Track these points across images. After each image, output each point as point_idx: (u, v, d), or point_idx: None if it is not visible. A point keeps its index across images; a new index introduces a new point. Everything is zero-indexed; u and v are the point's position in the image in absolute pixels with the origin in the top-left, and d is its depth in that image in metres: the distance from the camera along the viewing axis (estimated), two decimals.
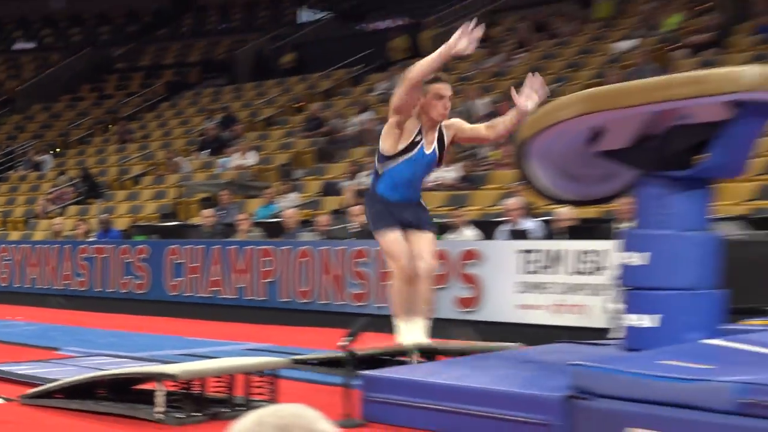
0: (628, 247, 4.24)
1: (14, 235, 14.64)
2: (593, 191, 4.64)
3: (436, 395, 3.94)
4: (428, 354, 4.72)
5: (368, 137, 13.34)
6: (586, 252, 7.49)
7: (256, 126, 16.59)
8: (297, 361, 4.89)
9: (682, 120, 3.84)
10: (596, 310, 6.84)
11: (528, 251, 7.64)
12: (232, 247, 9.89)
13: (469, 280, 7.82)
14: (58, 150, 18.67)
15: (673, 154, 3.87)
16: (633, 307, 4.17)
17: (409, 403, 4.00)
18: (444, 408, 3.94)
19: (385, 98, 13.22)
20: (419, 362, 4.58)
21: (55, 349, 7.07)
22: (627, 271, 4.25)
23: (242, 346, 6.87)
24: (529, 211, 8.56)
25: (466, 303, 7.84)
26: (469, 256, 7.91)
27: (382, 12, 21.31)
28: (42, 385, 4.76)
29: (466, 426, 3.93)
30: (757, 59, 11.05)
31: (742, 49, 12.47)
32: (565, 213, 8.17)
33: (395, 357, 4.83)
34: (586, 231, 8.25)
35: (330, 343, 5.05)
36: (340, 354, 4.11)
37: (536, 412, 3.69)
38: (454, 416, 3.90)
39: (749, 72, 3.68)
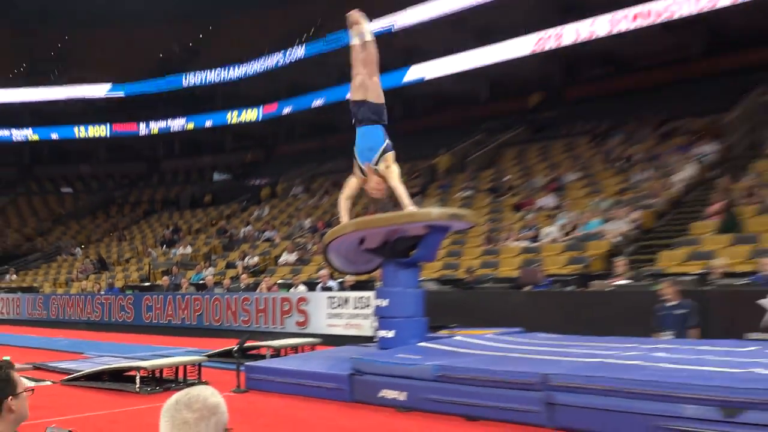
0: (379, 296, 7.16)
1: (60, 290, 24.07)
2: (363, 268, 7.61)
3: (285, 374, 6.56)
4: (276, 349, 7.51)
5: (250, 239, 23.27)
6: (361, 297, 11.66)
7: (191, 232, 27.90)
8: (210, 356, 7.59)
9: (404, 233, 6.88)
10: (367, 327, 10.60)
11: (332, 297, 12.62)
12: (179, 296, 16.09)
13: (302, 312, 12.94)
14: (83, 246, 31.00)
15: (400, 251, 6.88)
16: (382, 327, 7.03)
17: (271, 379, 6.63)
18: (289, 381, 6.54)
19: (258, 218, 26.19)
20: (272, 356, 7.32)
21: (80, 353, 10.97)
22: (378, 308, 7.15)
23: (184, 350, 10.46)
24: (332, 276, 13.09)
25: (301, 324, 12.86)
26: (302, 300, 13.17)
27: (257, 174, 34.36)
28: (72, 373, 7.30)
29: (300, 391, 6.48)
30: (441, 203, 18.27)
31: (434, 196, 20.58)
32: (349, 279, 12.85)
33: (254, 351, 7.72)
34: (361, 286, 12.73)
35: (229, 346, 8.15)
36: (233, 350, 6.89)
37: (335, 382, 6.39)
38: (295, 386, 6.50)
39: (434, 211, 6.87)
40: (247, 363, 6.75)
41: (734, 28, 24.72)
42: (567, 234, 15.13)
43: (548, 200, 17.47)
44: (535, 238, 15.63)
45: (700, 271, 11.06)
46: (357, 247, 6.96)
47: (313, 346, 8.98)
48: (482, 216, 18.48)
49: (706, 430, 3.96)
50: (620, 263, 11.71)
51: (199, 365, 7.21)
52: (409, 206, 6.35)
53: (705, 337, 8.10)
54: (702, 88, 22.89)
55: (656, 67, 25.72)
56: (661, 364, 4.77)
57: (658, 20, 22.59)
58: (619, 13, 23.19)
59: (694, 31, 24.16)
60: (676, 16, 22.34)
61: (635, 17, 22.86)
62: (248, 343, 7.70)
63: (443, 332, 7.49)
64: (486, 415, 4.99)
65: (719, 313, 8.71)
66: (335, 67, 32.86)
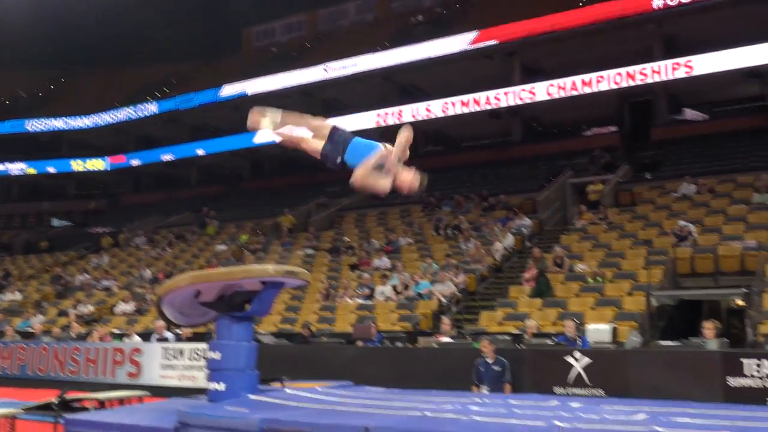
0: (211, 348, 6.82)
1: None
2: (197, 321, 7.24)
3: (106, 428, 6.00)
4: (101, 402, 6.89)
5: (86, 288, 21.85)
6: (197, 349, 11.08)
7: (22, 278, 25.59)
8: (27, 409, 6.75)
9: (239, 288, 6.66)
10: (202, 379, 9.95)
11: (167, 348, 11.99)
12: (1, 344, 14.50)
13: (135, 363, 12.19)
14: None
15: (235, 305, 6.61)
16: (213, 379, 6.68)
17: None
18: None
19: (96, 266, 24.51)
20: (95, 408, 6.72)
21: None
22: (211, 361, 6.81)
23: None
24: (169, 328, 12.44)
25: (133, 375, 12.11)
26: (136, 350, 12.37)
27: (99, 223, 32.37)
28: None
29: None
30: (283, 260, 18.66)
31: (277, 252, 20.68)
32: (186, 330, 12.41)
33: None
34: (198, 338, 12.06)
35: (52, 397, 7.24)
36: (52, 403, 6.21)
37: None
38: None
39: (270, 268, 6.68)
40: (66, 416, 6.15)
41: (547, 120, 26.89)
42: (399, 293, 15.39)
43: (383, 261, 17.76)
44: (369, 296, 15.77)
45: (515, 331, 11.57)
46: (192, 300, 6.64)
47: (141, 398, 8.38)
48: (321, 273, 18.46)
49: None
50: (446, 322, 12.02)
51: (14, 418, 6.47)
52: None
53: (518, 392, 8.42)
54: (520, 169, 24.49)
55: (482, 148, 27.30)
56: (473, 417, 4.84)
57: (483, 108, 24.10)
58: (450, 99, 24.56)
59: (514, 120, 25.98)
60: (500, 105, 23.86)
61: (463, 104, 24.28)
62: (71, 395, 7.07)
63: (275, 385, 7.23)
64: None
65: (531, 369, 9.09)
66: (186, 126, 32.20)
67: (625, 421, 4.67)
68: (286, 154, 31.07)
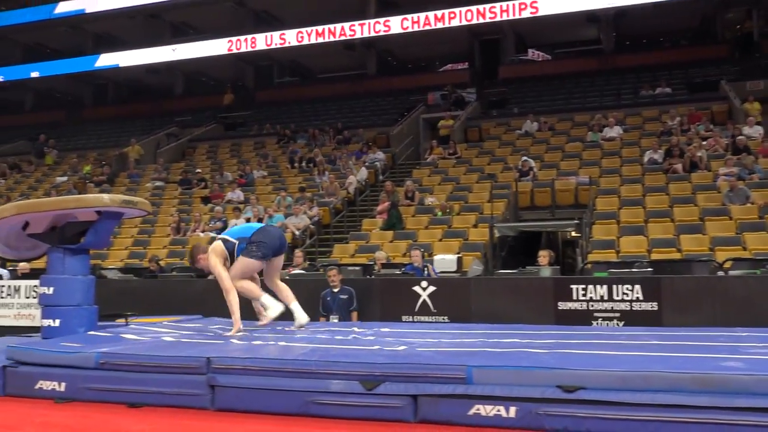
0: (43, 283, 6.42)
1: None
2: (26, 255, 6.76)
3: None
4: None
5: None
6: (35, 286, 10.26)
7: None
8: None
9: (73, 219, 6.28)
10: (37, 317, 9.28)
11: (1, 285, 10.11)
12: None
13: None
14: None
15: (68, 237, 6.23)
16: (46, 316, 6.34)
17: None
18: None
19: None
20: None
21: None
22: (43, 296, 6.41)
23: None
24: (3, 264, 11.26)
25: None
26: None
27: None
28: None
29: None
30: (130, 192, 18.01)
31: (124, 185, 20.06)
32: (23, 266, 11.31)
33: None
34: (36, 274, 11.16)
35: None
36: None
37: None
38: None
39: (105, 197, 6.34)
40: None
41: (402, 55, 27.05)
42: None
43: (237, 194, 17.39)
44: (222, 230, 15.42)
45: (367, 262, 11.78)
46: (20, 232, 6.18)
47: None
48: (171, 207, 17.80)
49: (351, 402, 4.13)
50: (298, 254, 12.02)
51: None
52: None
53: (368, 320, 8.62)
54: (374, 103, 24.60)
55: (338, 81, 27.09)
56: (315, 345, 4.91)
57: (339, 39, 23.81)
58: (305, 29, 24.04)
59: (369, 53, 25.91)
60: (355, 37, 23.65)
61: (318, 34, 23.86)
62: None
63: (119, 321, 6.96)
64: (150, 401, 4.71)
65: (380, 298, 9.31)
66: (17, 44, 29.41)
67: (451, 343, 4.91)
68: (133, 80, 29.31)
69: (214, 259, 6.02)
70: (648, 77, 21.51)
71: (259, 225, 6.31)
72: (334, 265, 9.21)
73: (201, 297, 10.15)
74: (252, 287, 6.06)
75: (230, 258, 6.08)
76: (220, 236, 6.34)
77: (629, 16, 22.27)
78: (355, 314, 8.84)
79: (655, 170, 14.81)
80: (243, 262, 5.94)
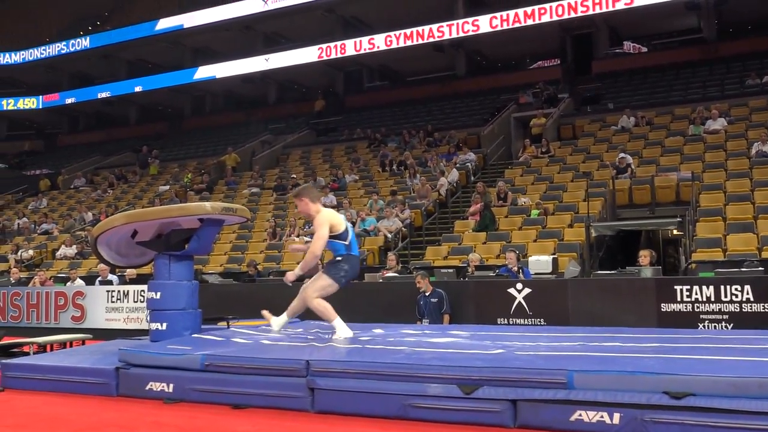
0: (151, 288, 6.70)
1: None
2: (136, 261, 7.09)
3: (46, 371, 5.85)
4: (41, 346, 6.73)
5: (25, 232, 21.37)
6: (142, 291, 10.88)
7: None
8: None
9: (177, 226, 6.52)
10: (145, 321, 9.85)
11: (111, 291, 11.67)
12: None
13: (79, 307, 11.78)
14: None
15: (174, 244, 6.48)
16: (154, 319, 6.61)
17: (31, 377, 5.89)
18: (51, 378, 5.83)
19: (35, 210, 23.98)
20: (36, 353, 6.58)
21: None
22: (151, 301, 6.70)
23: None
24: (113, 270, 12.13)
25: (77, 319, 11.72)
26: (79, 294, 11.91)
27: (36, 165, 31.42)
28: None
29: (63, 387, 5.73)
30: (228, 199, 18.79)
31: (222, 192, 20.54)
32: (131, 272, 11.90)
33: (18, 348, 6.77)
34: (142, 280, 11.89)
35: None
36: None
37: (100, 377, 5.76)
38: (58, 383, 5.77)
39: (207, 205, 6.55)
40: (2, 361, 5.99)
41: (491, 54, 26.75)
42: None
43: (329, 198, 17.67)
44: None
45: (460, 264, 11.72)
46: (129, 240, 6.49)
47: (84, 342, 8.26)
48: (267, 212, 18.30)
49: (449, 406, 4.12)
50: (391, 257, 12.09)
51: None
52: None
53: (462, 323, 8.58)
54: (464, 103, 24.44)
55: (427, 83, 27.09)
56: (412, 348, 4.92)
57: (427, 41, 23.80)
58: (394, 32, 24.17)
59: (458, 54, 25.78)
60: (444, 38, 23.59)
61: (407, 37, 23.96)
62: (8, 340, 6.89)
63: (221, 324, 7.19)
64: (252, 402, 4.85)
65: (474, 301, 9.24)
66: (122, 61, 30.98)
67: (556, 347, 4.81)
68: (229, 90, 30.36)
69: (325, 219, 5.80)
70: (755, 65, 20.40)
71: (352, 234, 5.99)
72: (421, 270, 9.20)
73: None
74: (328, 308, 5.89)
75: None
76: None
77: (732, 1, 21.17)
78: (446, 317, 8.81)
79: (764, 163, 14.02)
80: (327, 281, 5.85)
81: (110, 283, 12.60)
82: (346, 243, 5.85)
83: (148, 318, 6.62)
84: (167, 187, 22.14)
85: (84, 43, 30.69)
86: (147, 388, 5.34)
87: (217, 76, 27.55)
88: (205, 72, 27.81)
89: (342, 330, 5.78)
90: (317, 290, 5.88)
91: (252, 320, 8.04)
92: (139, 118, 33.00)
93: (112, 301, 11.94)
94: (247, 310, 9.28)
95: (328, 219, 5.86)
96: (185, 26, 27.80)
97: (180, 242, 6.42)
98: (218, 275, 13.12)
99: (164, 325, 6.35)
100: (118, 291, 11.98)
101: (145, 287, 11.54)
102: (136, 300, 11.72)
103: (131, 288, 11.96)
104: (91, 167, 28.19)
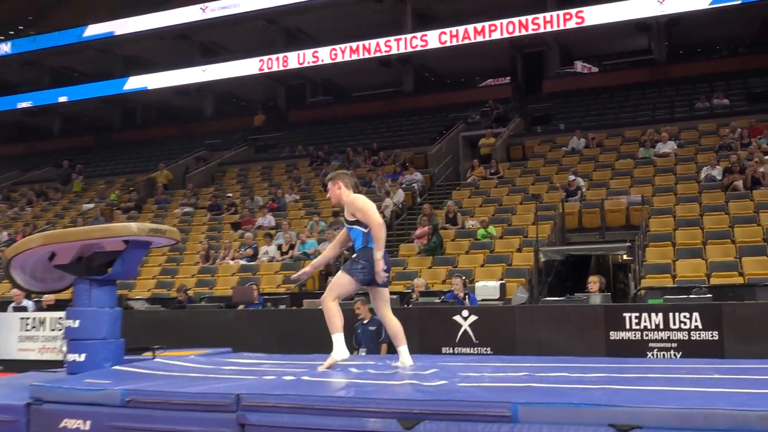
0: (69, 316, 6.46)
1: None
2: (53, 286, 6.84)
3: None
4: None
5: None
6: (60, 318, 10.58)
7: None
8: None
9: (99, 249, 6.33)
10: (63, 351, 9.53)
11: (25, 318, 11.34)
12: None
13: None
14: None
15: (95, 267, 6.28)
16: (72, 350, 6.36)
17: None
18: None
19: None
20: None
21: None
22: (69, 330, 6.42)
23: None
24: (29, 296, 11.61)
25: None
26: None
27: None
28: None
29: None
30: (159, 219, 18.63)
31: (152, 211, 20.41)
32: (48, 298, 11.48)
33: None
34: (62, 306, 11.48)
35: None
36: None
37: (9, 414, 5.40)
38: None
39: (133, 226, 6.40)
40: None
41: (440, 70, 27.14)
42: (284, 253, 15.28)
43: (268, 219, 17.55)
44: (253, 257, 15.57)
45: (405, 290, 11.75)
46: (46, 263, 6.26)
47: None
48: (200, 233, 18.03)
49: None
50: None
51: None
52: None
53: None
54: (411, 121, 24.66)
55: (373, 99, 27.29)
56: (350, 380, 4.89)
57: (374, 55, 23.98)
58: (339, 46, 24.27)
59: (406, 69, 26.06)
60: (391, 53, 23.81)
61: (352, 51, 24.09)
62: None
63: (147, 355, 7.00)
64: None
65: (418, 329, 9.25)
66: (46, 69, 30.27)
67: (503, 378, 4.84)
68: (162, 102, 29.95)
69: (364, 200, 5.58)
70: (704, 88, 21.20)
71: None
72: (361, 296, 9.18)
73: (230, 328, 10.25)
74: (338, 317, 5.54)
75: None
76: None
77: (683, 23, 21.99)
78: (384, 347, 8.79)
79: (713, 188, 14.55)
80: (344, 279, 5.49)
81: (25, 309, 12.07)
82: (365, 231, 5.51)
83: (65, 348, 6.40)
84: (92, 206, 21.61)
85: (5, 48, 29.87)
86: (61, 425, 5.12)
87: (149, 87, 27.14)
88: (136, 82, 27.35)
89: (338, 350, 5.49)
90: (334, 289, 5.58)
91: (181, 350, 7.89)
92: (63, 130, 32.22)
93: (27, 330, 11.50)
94: (176, 339, 9.13)
95: (366, 198, 5.63)
96: (116, 33, 27.37)
97: (102, 266, 6.23)
98: (145, 301, 12.87)
99: (83, 356, 6.13)
100: (34, 318, 11.54)
101: (63, 314, 11.20)
102: (53, 328, 11.32)
103: (48, 315, 11.53)
104: (9, 182, 27.27)
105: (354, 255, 5.62)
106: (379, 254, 5.47)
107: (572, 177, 15.78)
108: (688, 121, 19.12)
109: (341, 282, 5.55)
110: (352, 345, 8.85)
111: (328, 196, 5.92)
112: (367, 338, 8.75)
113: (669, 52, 24.08)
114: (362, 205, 5.57)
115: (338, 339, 5.55)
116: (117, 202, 21.46)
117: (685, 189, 14.97)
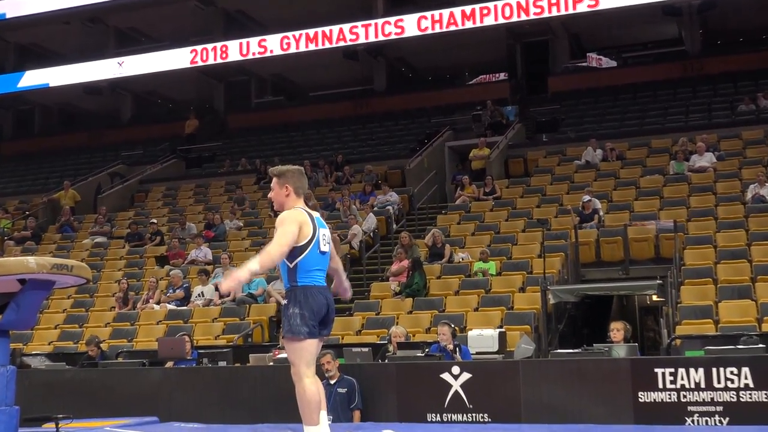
0: None
1: None
2: None
3: None
4: None
5: None
6: None
7: None
8: None
9: None
10: None
11: None
12: None
13: None
14: None
15: None
16: None
17: None
18: None
19: None
20: None
21: None
22: None
23: None
24: None
25: None
26: None
27: None
28: None
29: None
30: (62, 251, 18.45)
31: (54, 242, 20.22)
32: None
33: None
34: None
35: None
36: None
37: None
38: None
39: (31, 261, 6.32)
40: None
41: (420, 64, 27.29)
42: (224, 296, 15.17)
43: (203, 252, 17.44)
44: (184, 300, 15.44)
45: (378, 342, 11.70)
46: None
47: None
48: (117, 270, 17.86)
49: None
50: None
51: None
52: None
53: (379, 420, 8.51)
54: (384, 128, 24.74)
55: (336, 100, 27.36)
56: None
57: (337, 45, 24.00)
58: (292, 33, 24.24)
59: (377, 63, 26.18)
60: (358, 42, 23.88)
61: (309, 39, 24.09)
62: None
63: (47, 427, 6.95)
64: None
65: (396, 390, 9.21)
66: None
67: None
68: (68, 104, 29.80)
69: (294, 218, 5.34)
70: (748, 87, 21.58)
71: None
72: (327, 350, 9.12)
73: (156, 392, 10.10)
74: (314, 403, 5.23)
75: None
76: None
77: (720, 6, 22.32)
78: (357, 414, 8.72)
79: (763, 210, 14.75)
80: (294, 344, 5.23)
81: None
82: (290, 265, 5.34)
83: None
84: None
85: None
86: None
87: (51, 84, 26.97)
88: (34, 78, 27.14)
89: None
90: (296, 362, 5.25)
91: (93, 420, 7.83)
92: None
93: None
94: (86, 406, 9.01)
95: (298, 219, 5.34)
96: (8, 16, 27.18)
97: None
98: (45, 357, 12.63)
99: None
100: None
101: None
102: None
103: None
104: None
105: (284, 302, 5.42)
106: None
107: (587, 198, 15.92)
108: (730, 127, 19.42)
109: (294, 348, 5.28)
110: None
111: (269, 195, 5.76)
112: (335, 403, 8.68)
113: (704, 43, 24.49)
114: (282, 218, 5.37)
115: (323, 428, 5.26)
116: (9, 231, 21.17)
117: (727, 212, 15.17)
